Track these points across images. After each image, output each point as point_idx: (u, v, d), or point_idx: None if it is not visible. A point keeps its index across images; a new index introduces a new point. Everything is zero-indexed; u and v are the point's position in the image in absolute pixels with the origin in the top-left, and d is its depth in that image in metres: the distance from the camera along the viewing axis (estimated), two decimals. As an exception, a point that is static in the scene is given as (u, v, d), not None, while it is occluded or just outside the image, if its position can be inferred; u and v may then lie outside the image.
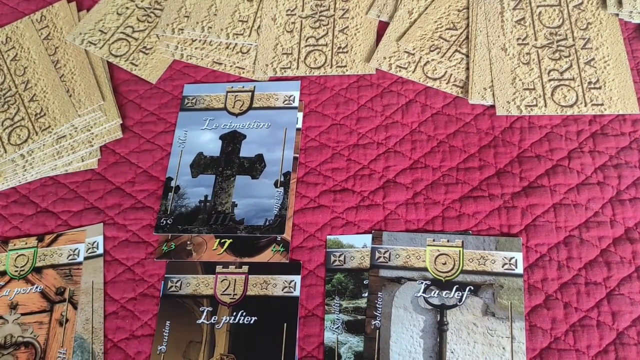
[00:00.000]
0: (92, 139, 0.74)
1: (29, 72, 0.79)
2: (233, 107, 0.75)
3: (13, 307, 0.66)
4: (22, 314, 0.65)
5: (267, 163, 0.70)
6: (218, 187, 0.70)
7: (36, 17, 0.85)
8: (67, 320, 0.64)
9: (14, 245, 0.69)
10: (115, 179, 0.72)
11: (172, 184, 0.70)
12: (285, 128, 0.72)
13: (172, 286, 0.64)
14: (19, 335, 0.64)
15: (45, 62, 0.80)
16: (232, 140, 0.73)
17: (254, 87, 0.76)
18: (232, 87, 0.76)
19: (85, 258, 0.67)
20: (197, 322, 0.62)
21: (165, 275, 0.65)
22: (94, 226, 0.69)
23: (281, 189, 0.68)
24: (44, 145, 0.73)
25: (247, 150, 0.72)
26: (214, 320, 0.62)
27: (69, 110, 0.74)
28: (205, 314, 0.62)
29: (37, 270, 0.67)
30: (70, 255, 0.67)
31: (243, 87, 0.76)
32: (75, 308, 0.64)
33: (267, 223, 0.66)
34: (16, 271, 0.68)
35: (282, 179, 0.69)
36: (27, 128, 0.74)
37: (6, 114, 0.76)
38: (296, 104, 0.74)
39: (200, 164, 0.71)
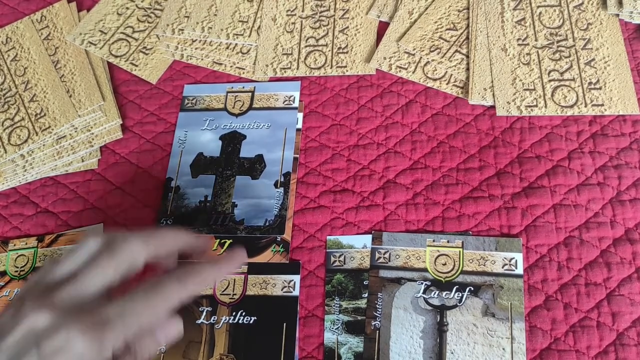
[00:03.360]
0: (92, 139, 0.74)
1: (29, 72, 0.79)
2: (233, 108, 0.75)
3: (13, 307, 0.65)
4: (22, 314, 0.65)
5: (267, 163, 0.70)
6: (218, 187, 0.70)
7: (36, 17, 0.85)
8: (67, 320, 0.64)
9: (14, 245, 0.69)
10: (116, 179, 0.72)
11: (172, 184, 0.70)
12: (286, 128, 0.72)
13: (172, 286, 0.64)
14: (18, 335, 0.64)
15: (46, 62, 0.80)
16: (232, 140, 0.73)
17: (254, 87, 0.76)
18: (232, 88, 0.76)
19: (85, 258, 0.67)
20: (196, 322, 0.62)
21: (165, 276, 0.65)
22: (94, 226, 0.69)
23: (281, 190, 0.68)
24: (44, 145, 0.73)
25: (247, 151, 0.72)
26: (213, 320, 0.62)
27: (69, 110, 0.74)
28: (204, 314, 0.62)
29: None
30: (70, 255, 0.67)
31: (243, 87, 0.76)
32: (75, 308, 0.64)
33: (267, 223, 0.66)
34: (16, 271, 0.68)
35: (282, 180, 0.69)
36: (27, 128, 0.74)
37: (6, 114, 0.76)
38: (296, 104, 0.74)
39: (201, 164, 0.71)
